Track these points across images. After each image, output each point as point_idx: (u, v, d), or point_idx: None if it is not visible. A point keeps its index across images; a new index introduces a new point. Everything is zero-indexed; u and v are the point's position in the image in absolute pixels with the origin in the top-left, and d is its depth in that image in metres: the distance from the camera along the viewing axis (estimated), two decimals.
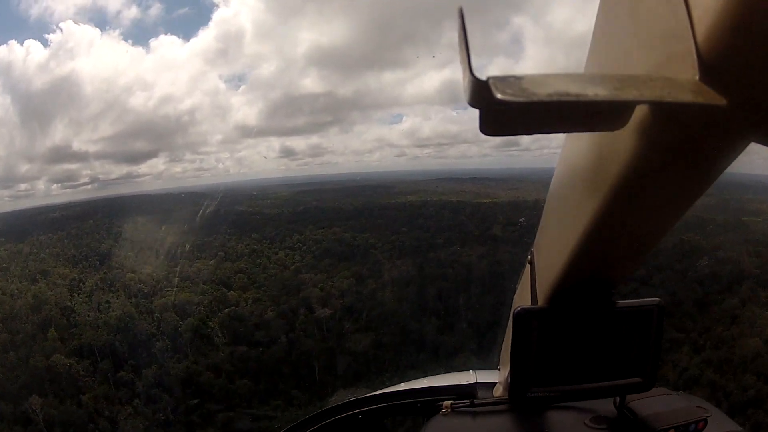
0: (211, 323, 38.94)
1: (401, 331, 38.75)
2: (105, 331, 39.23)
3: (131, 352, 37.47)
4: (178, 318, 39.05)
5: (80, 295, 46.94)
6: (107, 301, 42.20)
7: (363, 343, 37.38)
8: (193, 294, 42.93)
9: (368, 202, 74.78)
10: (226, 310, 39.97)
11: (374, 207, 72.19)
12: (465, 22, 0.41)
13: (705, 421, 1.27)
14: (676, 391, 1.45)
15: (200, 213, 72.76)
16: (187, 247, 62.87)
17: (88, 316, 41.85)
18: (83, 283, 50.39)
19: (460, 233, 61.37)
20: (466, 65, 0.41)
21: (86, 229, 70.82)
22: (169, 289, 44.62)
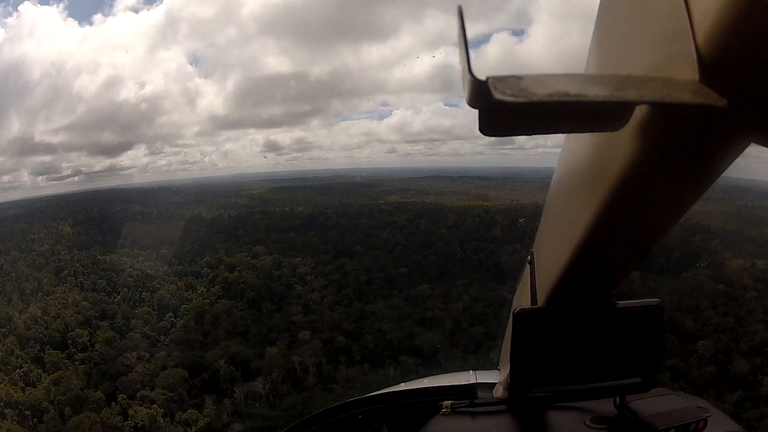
0: None
1: None
2: None
3: None
4: None
5: None
6: None
7: None
8: None
9: (335, 204, 57.24)
10: None
11: (335, 213, 54.09)
12: (464, 21, 0.40)
13: (705, 421, 1.28)
14: (676, 391, 1.44)
15: (123, 216, 59.70)
16: (75, 268, 49.37)
17: None
18: None
19: (434, 257, 42.21)
20: (466, 65, 0.40)
21: (11, 234, 59.93)
22: None
